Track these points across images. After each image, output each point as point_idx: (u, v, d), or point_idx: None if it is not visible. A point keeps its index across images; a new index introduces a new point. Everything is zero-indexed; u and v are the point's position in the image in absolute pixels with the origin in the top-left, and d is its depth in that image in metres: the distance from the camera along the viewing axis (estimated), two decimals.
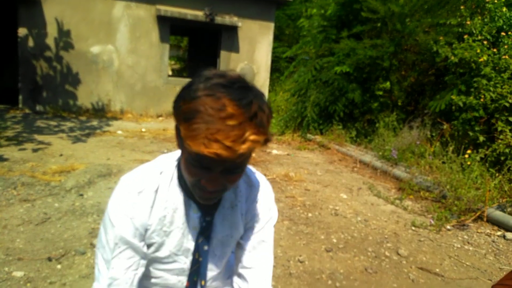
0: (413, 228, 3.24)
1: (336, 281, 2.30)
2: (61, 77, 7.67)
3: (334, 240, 2.88)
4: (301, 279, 2.30)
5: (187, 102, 0.67)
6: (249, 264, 0.96)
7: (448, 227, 3.29)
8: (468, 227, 3.31)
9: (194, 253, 0.91)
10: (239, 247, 0.98)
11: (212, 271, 0.96)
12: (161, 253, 0.89)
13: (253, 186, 0.95)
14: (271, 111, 0.75)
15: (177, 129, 0.75)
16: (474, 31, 5.26)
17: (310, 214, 3.35)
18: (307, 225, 3.11)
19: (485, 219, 3.41)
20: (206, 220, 0.89)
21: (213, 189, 0.75)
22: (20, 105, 7.47)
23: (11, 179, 3.48)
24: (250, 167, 0.98)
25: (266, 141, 0.72)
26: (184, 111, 0.67)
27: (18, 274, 2.08)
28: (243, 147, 0.66)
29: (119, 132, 6.34)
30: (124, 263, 0.84)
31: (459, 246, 2.95)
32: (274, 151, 5.88)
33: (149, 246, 0.88)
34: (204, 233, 0.90)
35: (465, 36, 5.20)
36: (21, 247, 2.37)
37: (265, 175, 4.32)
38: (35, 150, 4.64)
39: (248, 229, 0.96)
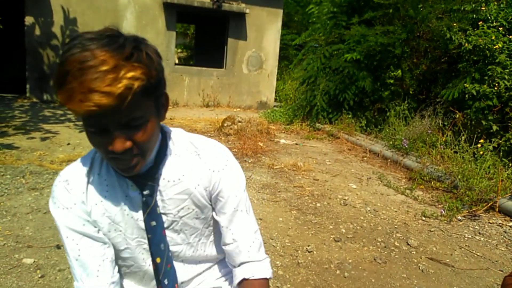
0: (424, 218, 3.19)
1: (345, 271, 2.28)
2: None
3: (343, 230, 2.85)
4: (309, 269, 2.28)
5: (58, 68, 0.64)
6: (229, 240, 0.92)
7: (459, 217, 3.23)
8: (480, 217, 3.25)
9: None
10: (218, 224, 0.93)
11: (178, 245, 0.91)
12: (117, 240, 0.86)
13: (201, 154, 0.87)
14: (156, 51, 0.71)
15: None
16: (490, 17, 5.09)
17: (318, 204, 3.32)
18: (316, 215, 3.08)
19: (497, 209, 3.35)
20: (145, 195, 0.83)
21: (120, 150, 0.69)
22: (28, 94, 7.52)
23: (19, 168, 3.51)
24: (196, 135, 0.92)
25: (150, 76, 0.66)
26: (56, 78, 0.64)
27: (28, 261, 2.10)
28: (120, 86, 0.61)
29: None
30: (87, 252, 0.83)
31: (470, 236, 2.91)
32: (282, 141, 5.83)
33: (103, 231, 0.85)
34: (146, 209, 0.84)
35: (480, 23, 5.04)
36: (30, 234, 2.39)
37: (273, 164, 4.33)
38: (42, 139, 4.67)
39: (216, 202, 0.90)
